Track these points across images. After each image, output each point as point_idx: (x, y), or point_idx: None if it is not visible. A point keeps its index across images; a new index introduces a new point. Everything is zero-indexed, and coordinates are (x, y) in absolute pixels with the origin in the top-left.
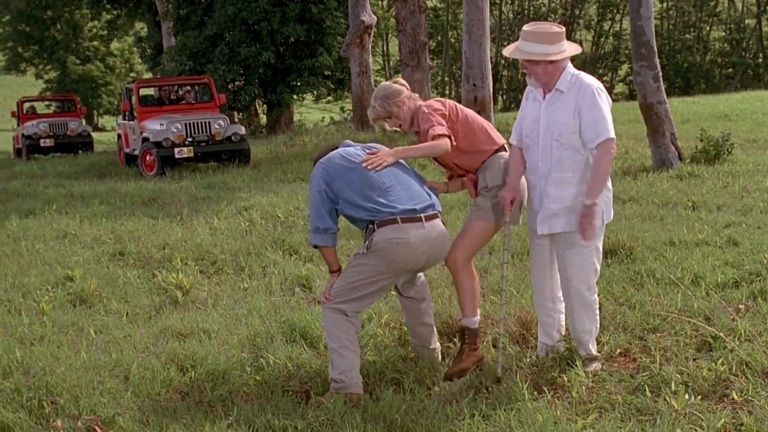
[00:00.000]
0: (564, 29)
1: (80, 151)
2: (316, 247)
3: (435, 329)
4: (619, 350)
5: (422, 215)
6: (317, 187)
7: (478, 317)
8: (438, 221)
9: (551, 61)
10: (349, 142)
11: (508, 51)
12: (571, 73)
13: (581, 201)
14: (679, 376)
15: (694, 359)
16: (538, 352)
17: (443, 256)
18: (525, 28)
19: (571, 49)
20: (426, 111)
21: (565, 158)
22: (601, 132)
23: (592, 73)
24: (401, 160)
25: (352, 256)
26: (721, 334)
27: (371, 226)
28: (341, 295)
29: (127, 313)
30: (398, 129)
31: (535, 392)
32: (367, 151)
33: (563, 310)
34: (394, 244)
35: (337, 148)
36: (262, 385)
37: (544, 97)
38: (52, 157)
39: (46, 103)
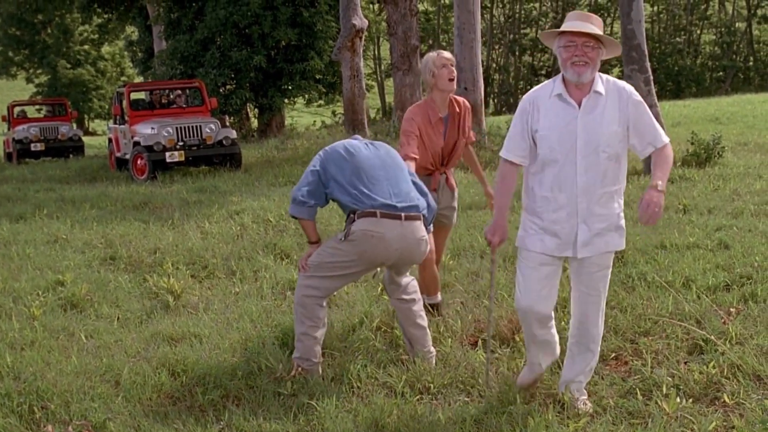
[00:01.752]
0: None
1: (71, 156)
2: (294, 217)
3: (428, 332)
4: (611, 354)
5: (402, 213)
6: (312, 166)
7: (439, 297)
8: (419, 224)
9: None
10: (357, 136)
11: (573, 27)
12: (600, 75)
13: (656, 187)
14: (670, 379)
15: (685, 362)
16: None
17: (417, 260)
18: (577, 12)
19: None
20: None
21: (610, 171)
22: (654, 139)
23: None
24: (398, 159)
25: (331, 238)
26: (712, 337)
27: (352, 215)
28: (316, 270)
29: (118, 318)
30: (446, 88)
31: (527, 396)
32: (369, 145)
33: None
34: (369, 236)
35: None
36: (253, 389)
37: (579, 104)
38: (42, 162)
39: (37, 107)
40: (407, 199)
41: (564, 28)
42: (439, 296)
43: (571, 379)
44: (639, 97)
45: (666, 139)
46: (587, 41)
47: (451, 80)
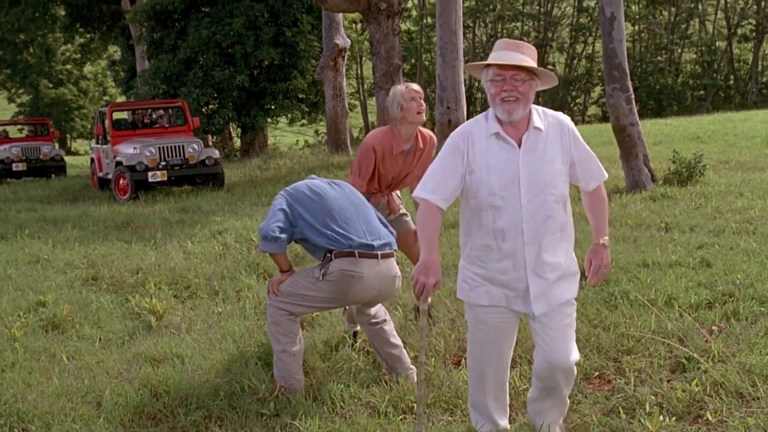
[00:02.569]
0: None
1: (53, 175)
2: (266, 252)
3: (404, 351)
4: (594, 372)
5: (378, 252)
6: (279, 205)
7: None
8: (392, 261)
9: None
10: (314, 176)
11: (499, 58)
12: (535, 107)
13: (602, 244)
14: (653, 397)
15: (668, 380)
16: None
17: (392, 296)
18: (505, 40)
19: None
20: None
21: (556, 214)
22: (599, 173)
23: (566, 95)
24: (362, 197)
25: (307, 269)
26: (695, 355)
27: (329, 254)
28: (288, 297)
29: (100, 339)
30: (413, 120)
31: (510, 415)
32: (333, 185)
33: None
34: (348, 276)
35: None
36: (236, 410)
37: (519, 142)
38: (24, 182)
39: (19, 127)
40: (380, 236)
41: (490, 59)
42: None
43: (546, 422)
44: (576, 130)
45: (601, 181)
46: (516, 74)
47: (420, 113)
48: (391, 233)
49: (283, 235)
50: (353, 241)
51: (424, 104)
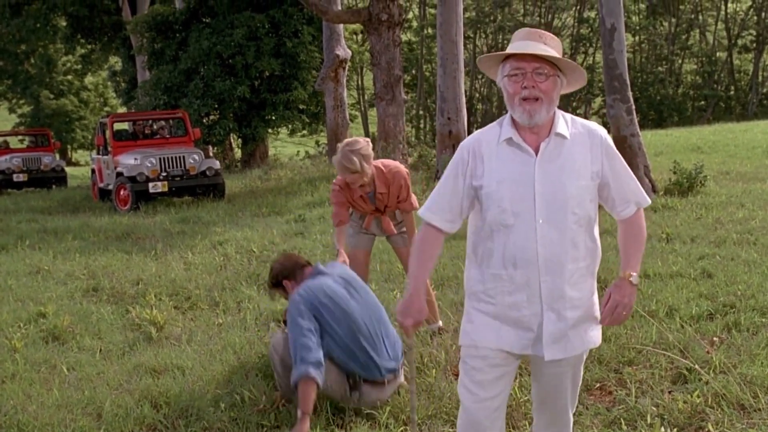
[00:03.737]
0: None
1: (54, 186)
2: (307, 381)
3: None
4: (595, 383)
5: (397, 369)
6: (303, 325)
7: (440, 322)
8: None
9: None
10: (320, 267)
11: (519, 48)
12: (562, 113)
13: (628, 279)
14: (654, 408)
15: (669, 392)
16: None
17: None
18: (526, 29)
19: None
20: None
21: (580, 240)
22: (638, 197)
23: (566, 106)
24: (377, 302)
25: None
26: (696, 366)
27: (356, 379)
28: None
29: (100, 350)
30: (353, 186)
31: (511, 428)
32: (350, 290)
33: None
34: (374, 402)
35: (304, 265)
36: (236, 421)
37: (536, 150)
38: (25, 192)
39: (20, 137)
40: (396, 347)
41: (509, 50)
42: (440, 322)
43: None
44: (612, 143)
45: (643, 206)
46: (540, 67)
47: (354, 185)
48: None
49: (320, 355)
50: (381, 367)
51: (362, 176)
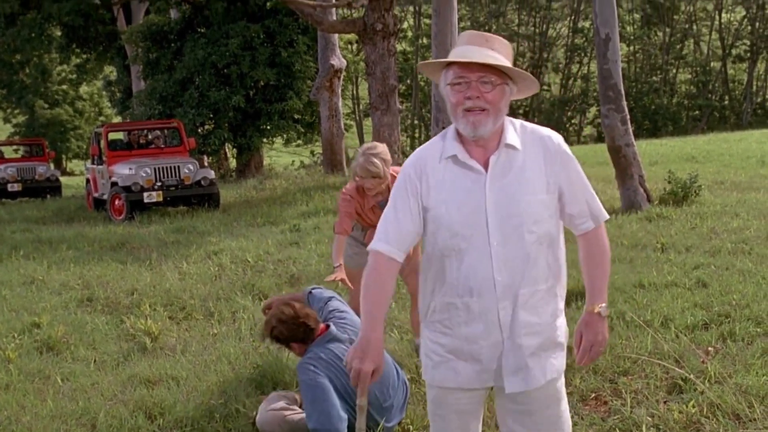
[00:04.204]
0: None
1: (48, 196)
2: None
3: None
4: (590, 393)
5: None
6: (322, 391)
7: None
8: None
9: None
10: (334, 331)
11: (462, 54)
12: (511, 121)
13: (594, 311)
14: (650, 419)
15: (665, 402)
16: None
17: None
18: (470, 32)
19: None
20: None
21: (541, 260)
22: (595, 211)
23: (561, 116)
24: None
25: None
26: (692, 376)
27: None
28: None
29: (94, 360)
30: (370, 192)
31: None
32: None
33: None
34: None
35: (313, 328)
36: None
37: (485, 166)
38: (19, 202)
39: (14, 147)
40: (399, 393)
41: (451, 56)
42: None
43: None
44: (569, 150)
45: (600, 221)
46: (484, 76)
47: (370, 190)
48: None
49: (344, 419)
50: (390, 423)
51: (376, 184)
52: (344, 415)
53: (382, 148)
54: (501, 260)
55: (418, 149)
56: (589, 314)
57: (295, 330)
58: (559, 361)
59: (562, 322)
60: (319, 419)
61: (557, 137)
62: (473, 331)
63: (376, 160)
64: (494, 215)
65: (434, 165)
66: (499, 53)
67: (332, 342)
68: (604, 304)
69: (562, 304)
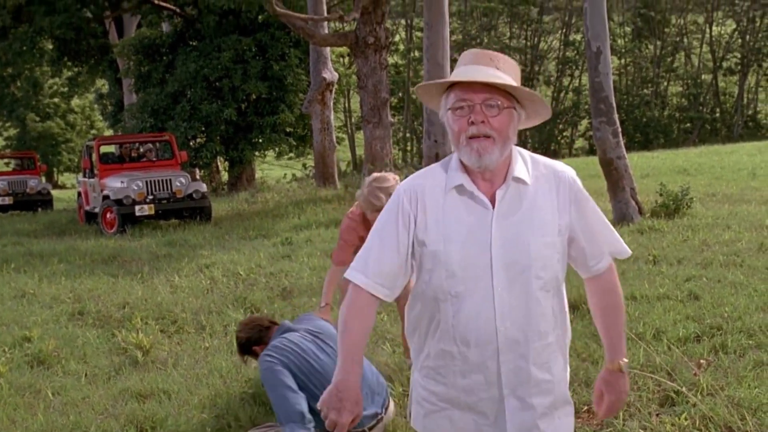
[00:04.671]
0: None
1: (39, 209)
2: None
3: None
4: (582, 406)
5: (382, 415)
6: (280, 378)
7: None
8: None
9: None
10: (286, 323)
11: (465, 74)
12: (519, 151)
13: (615, 368)
14: (642, 431)
15: (657, 414)
16: None
17: None
18: (474, 51)
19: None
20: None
21: (548, 309)
22: (620, 247)
23: (552, 129)
24: None
25: None
26: (684, 389)
27: None
28: None
29: (85, 374)
30: (372, 221)
31: None
32: (318, 342)
33: None
34: None
35: (269, 327)
36: None
37: (492, 200)
38: (11, 215)
39: (5, 160)
40: (378, 391)
41: (453, 76)
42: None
43: None
44: (583, 188)
45: (617, 257)
46: (491, 98)
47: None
48: (377, 372)
49: (308, 413)
50: (365, 417)
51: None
52: (301, 394)
53: (392, 182)
54: (505, 307)
55: (413, 175)
56: (609, 372)
57: (250, 331)
58: (570, 419)
59: (567, 376)
60: (278, 403)
61: (572, 173)
62: (472, 382)
63: (381, 195)
64: (500, 257)
65: (435, 195)
66: (505, 73)
67: (287, 332)
68: (625, 359)
69: (567, 359)
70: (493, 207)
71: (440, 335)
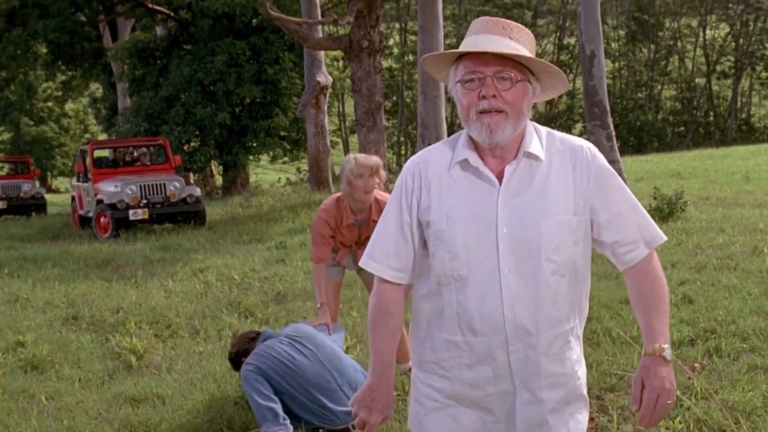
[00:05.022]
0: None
1: (33, 213)
2: None
3: None
4: None
5: None
6: (254, 385)
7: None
8: None
9: (522, 90)
10: (269, 331)
11: (474, 44)
12: (535, 126)
13: (657, 353)
14: None
15: None
16: None
17: None
18: (484, 19)
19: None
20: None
21: (562, 295)
22: (654, 233)
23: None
24: (335, 348)
25: None
26: (678, 392)
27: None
28: None
29: (79, 379)
30: (356, 195)
31: None
32: (296, 345)
33: None
34: None
35: (254, 338)
36: None
37: (500, 177)
38: (4, 220)
39: None
40: (358, 385)
41: (463, 46)
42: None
43: None
44: (606, 163)
45: (655, 245)
46: (503, 71)
47: (367, 192)
48: (359, 370)
49: (282, 418)
50: (340, 415)
51: (376, 179)
52: (274, 398)
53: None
54: (513, 293)
55: (420, 151)
56: (650, 358)
57: (237, 345)
58: (583, 416)
59: (583, 370)
60: (254, 407)
61: (592, 148)
62: (478, 375)
63: (373, 157)
64: (507, 237)
65: (439, 171)
66: (519, 44)
67: (267, 340)
68: (667, 345)
69: (581, 350)
70: (500, 184)
71: (445, 324)
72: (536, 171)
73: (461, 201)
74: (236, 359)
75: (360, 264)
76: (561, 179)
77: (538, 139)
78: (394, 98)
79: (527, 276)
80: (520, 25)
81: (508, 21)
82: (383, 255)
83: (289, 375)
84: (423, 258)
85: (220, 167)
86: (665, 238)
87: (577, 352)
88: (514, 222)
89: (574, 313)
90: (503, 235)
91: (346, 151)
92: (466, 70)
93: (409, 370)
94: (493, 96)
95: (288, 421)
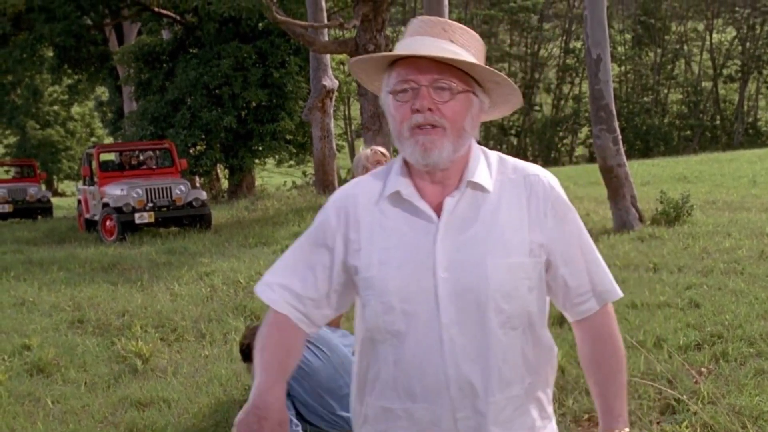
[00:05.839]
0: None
1: (39, 217)
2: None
3: None
4: (583, 414)
5: None
6: None
7: None
8: None
9: (463, 104)
10: None
11: (408, 47)
12: (484, 151)
13: None
14: None
15: (658, 422)
16: None
17: None
18: (421, 18)
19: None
20: None
21: (515, 351)
22: (609, 286)
23: (552, 137)
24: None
25: None
26: (684, 397)
27: None
28: None
29: (85, 383)
30: None
31: None
32: (311, 348)
33: None
34: None
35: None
36: None
37: (438, 210)
38: (10, 223)
39: (5, 168)
40: None
41: (396, 50)
42: None
43: None
44: (565, 197)
45: (610, 299)
46: (440, 78)
47: None
48: None
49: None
50: (350, 421)
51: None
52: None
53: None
54: (457, 349)
55: (348, 183)
56: None
57: (250, 336)
58: None
59: (552, 425)
60: None
61: (550, 178)
62: None
63: (384, 150)
64: (447, 283)
65: (368, 207)
66: (463, 48)
67: None
68: (627, 429)
69: (549, 410)
70: (439, 218)
71: (380, 389)
72: (483, 203)
73: (393, 241)
74: (247, 351)
75: (257, 291)
76: (513, 213)
77: (486, 165)
78: None
79: (472, 328)
80: (465, 26)
81: (451, 21)
82: (287, 288)
83: (303, 378)
84: (340, 310)
85: (226, 171)
86: (621, 295)
87: (534, 414)
88: (455, 265)
89: (530, 371)
90: (443, 281)
91: (352, 154)
92: (399, 78)
93: None
94: (429, 109)
95: (300, 428)
